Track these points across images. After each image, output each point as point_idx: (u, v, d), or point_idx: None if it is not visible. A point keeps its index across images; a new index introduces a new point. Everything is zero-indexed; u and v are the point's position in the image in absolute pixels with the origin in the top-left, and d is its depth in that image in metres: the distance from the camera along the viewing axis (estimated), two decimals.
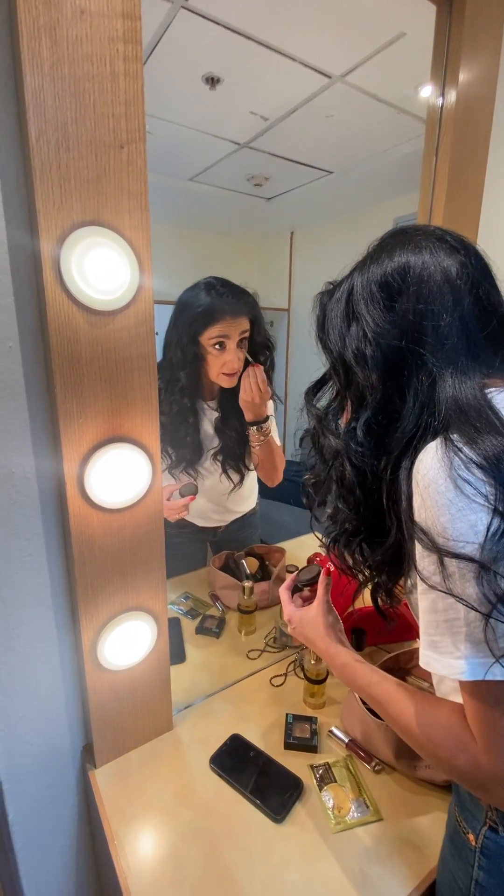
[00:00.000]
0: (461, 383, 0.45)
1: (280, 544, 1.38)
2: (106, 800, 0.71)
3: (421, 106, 1.64)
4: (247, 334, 1.08)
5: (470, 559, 0.39)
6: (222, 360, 1.06)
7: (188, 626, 1.10)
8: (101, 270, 0.57)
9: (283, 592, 0.73)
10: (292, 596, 0.73)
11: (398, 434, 0.47)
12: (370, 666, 0.57)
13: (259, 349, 1.13)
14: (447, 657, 0.42)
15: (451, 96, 1.04)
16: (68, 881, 0.85)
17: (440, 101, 1.06)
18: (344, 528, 0.55)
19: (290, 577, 0.75)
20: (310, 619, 0.66)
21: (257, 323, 1.10)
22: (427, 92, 1.10)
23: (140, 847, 0.65)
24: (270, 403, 1.15)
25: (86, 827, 0.84)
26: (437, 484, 0.41)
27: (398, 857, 0.64)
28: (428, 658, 0.44)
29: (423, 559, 0.43)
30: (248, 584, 1.07)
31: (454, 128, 1.06)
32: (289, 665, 0.98)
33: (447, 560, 0.40)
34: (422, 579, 0.43)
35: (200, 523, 1.30)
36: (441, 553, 0.40)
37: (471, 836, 0.52)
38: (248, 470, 1.24)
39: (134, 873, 0.62)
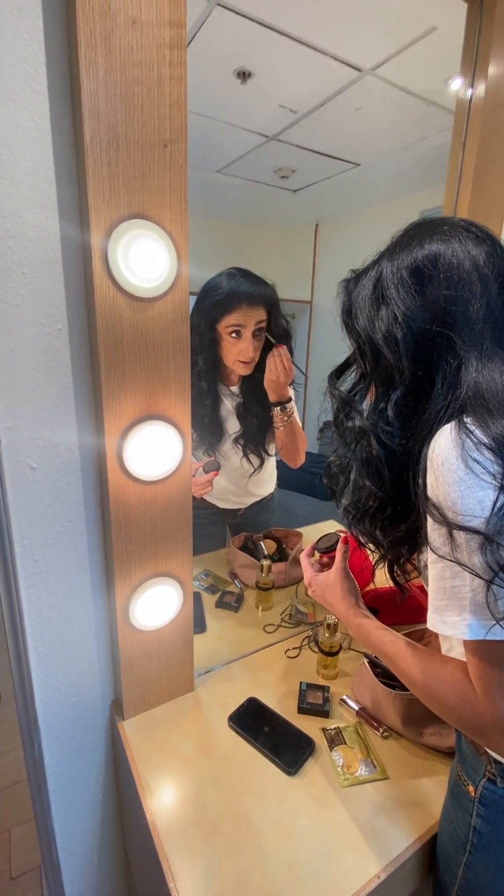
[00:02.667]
0: (484, 367, 0.48)
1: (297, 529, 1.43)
2: (134, 748, 0.78)
3: (451, 98, 1.64)
4: (263, 324, 1.12)
5: (476, 531, 0.42)
6: (238, 348, 1.11)
7: (209, 600, 1.16)
8: (143, 260, 0.62)
9: (303, 558, 0.78)
10: (312, 562, 0.77)
11: (427, 415, 0.49)
12: (384, 626, 0.62)
13: (277, 339, 1.16)
14: (452, 619, 0.46)
15: (481, 90, 1.06)
16: (95, 822, 0.93)
17: (469, 94, 1.08)
18: (368, 505, 0.58)
19: (309, 545, 0.79)
20: (329, 584, 0.71)
21: (274, 313, 1.14)
22: (457, 85, 1.11)
23: (165, 789, 0.72)
24: (291, 390, 1.20)
25: (113, 774, 0.91)
26: (450, 462, 0.44)
27: (402, 812, 0.68)
28: (435, 620, 0.48)
29: (434, 531, 0.47)
30: (266, 562, 1.13)
31: (482, 121, 1.07)
32: (303, 639, 1.03)
33: (455, 532, 0.44)
34: (432, 549, 0.47)
35: (221, 505, 1.36)
36: (450, 526, 0.44)
37: (471, 788, 0.56)
38: (269, 455, 1.29)
39: (160, 812, 0.68)
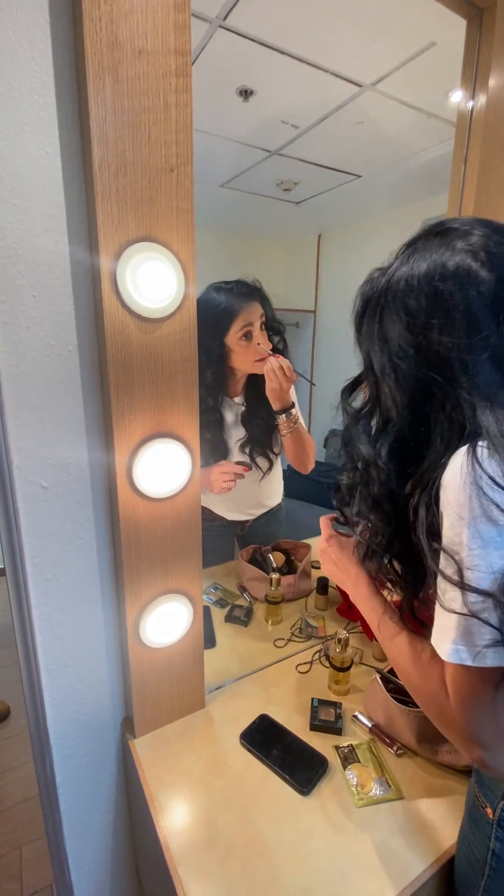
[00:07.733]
0: (497, 419, 0.43)
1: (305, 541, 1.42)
2: (145, 766, 0.77)
3: (451, 110, 1.65)
4: (264, 318, 1.14)
5: (487, 594, 0.41)
6: (252, 349, 1.13)
7: (218, 614, 1.16)
8: (151, 281, 0.63)
9: (324, 520, 0.75)
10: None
11: (425, 465, 0.47)
12: (391, 608, 0.60)
13: (272, 332, 1.19)
14: (442, 635, 0.46)
15: (482, 102, 1.07)
16: (107, 841, 0.92)
17: (470, 106, 1.08)
18: (378, 539, 0.55)
19: (331, 515, 0.75)
20: (346, 542, 0.68)
21: (266, 305, 1.16)
22: (457, 97, 1.12)
23: (177, 809, 0.71)
24: (293, 391, 1.20)
25: (124, 792, 0.90)
26: (470, 507, 0.42)
27: (418, 833, 0.67)
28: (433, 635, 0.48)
29: (443, 580, 0.45)
30: (275, 575, 1.12)
31: (483, 134, 1.08)
32: (314, 654, 1.02)
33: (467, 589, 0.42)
34: (440, 604, 0.46)
35: (229, 517, 1.36)
36: (464, 588, 0.42)
37: (489, 810, 0.55)
38: (276, 455, 1.30)
39: (173, 833, 0.68)
